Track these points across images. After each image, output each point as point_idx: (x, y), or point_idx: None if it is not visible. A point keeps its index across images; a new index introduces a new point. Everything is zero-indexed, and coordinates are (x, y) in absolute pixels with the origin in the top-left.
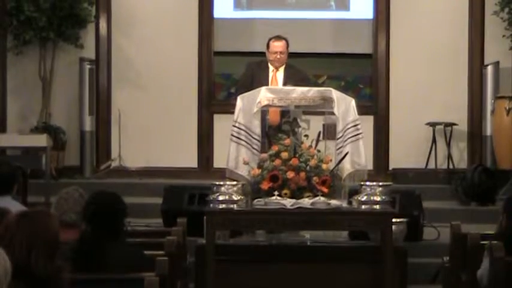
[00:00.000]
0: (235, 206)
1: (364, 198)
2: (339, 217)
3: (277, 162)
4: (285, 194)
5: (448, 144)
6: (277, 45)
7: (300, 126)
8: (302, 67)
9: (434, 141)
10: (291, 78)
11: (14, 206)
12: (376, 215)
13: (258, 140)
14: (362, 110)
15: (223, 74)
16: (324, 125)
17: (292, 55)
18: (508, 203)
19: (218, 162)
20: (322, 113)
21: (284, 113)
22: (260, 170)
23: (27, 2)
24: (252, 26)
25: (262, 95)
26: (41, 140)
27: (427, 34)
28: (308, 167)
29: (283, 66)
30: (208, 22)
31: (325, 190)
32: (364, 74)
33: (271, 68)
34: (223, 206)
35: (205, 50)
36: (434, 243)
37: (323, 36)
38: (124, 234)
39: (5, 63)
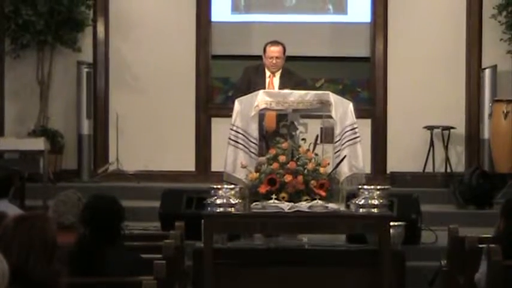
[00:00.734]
0: (233, 209)
1: (362, 201)
2: (336, 220)
3: (275, 165)
4: (283, 197)
5: (446, 148)
6: (274, 50)
7: (297, 130)
8: (300, 71)
9: (432, 144)
10: (288, 84)
11: (11, 209)
12: (374, 218)
13: (256, 144)
14: (360, 114)
15: (221, 77)
16: (321, 129)
17: (290, 59)
18: (505, 207)
19: (216, 165)
20: (319, 117)
21: (282, 116)
22: (258, 174)
23: (25, 5)
24: (249, 29)
25: (260, 99)
26: (39, 144)
27: (425, 38)
28: (306, 171)
29: (280, 71)
30: (205, 26)
31: (323, 194)
32: (361, 77)
33: (267, 73)
34: (221, 209)
35: (203, 54)
36: (432, 247)
37: (321, 40)
38: (122, 237)
39: (2, 67)
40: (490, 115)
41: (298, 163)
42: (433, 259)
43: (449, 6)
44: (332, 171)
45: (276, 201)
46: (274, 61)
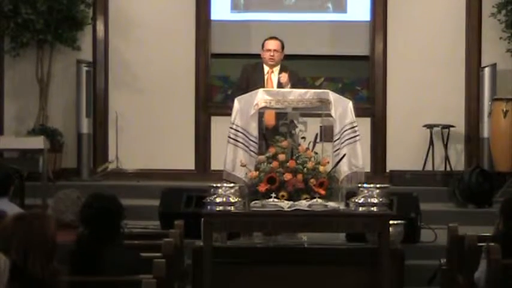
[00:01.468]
0: (232, 208)
1: (362, 200)
2: (336, 219)
3: (275, 164)
4: (282, 196)
5: (446, 146)
6: (272, 43)
7: (297, 128)
8: (299, 69)
9: (431, 143)
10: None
11: (11, 208)
12: (373, 217)
13: (255, 142)
14: (359, 112)
15: (221, 76)
16: (321, 127)
17: (289, 57)
18: (505, 205)
19: (215, 164)
20: (319, 115)
21: (281, 115)
22: (257, 172)
23: (24, 4)
24: (249, 28)
25: (260, 97)
26: (38, 142)
27: (424, 36)
28: (305, 169)
29: (278, 67)
30: (205, 24)
31: (323, 192)
32: (361, 76)
33: (266, 69)
34: (221, 208)
35: (203, 52)
36: (431, 245)
37: (320, 39)
38: (121, 236)
39: (2, 66)
40: (490, 114)
41: (298, 162)
42: (432, 258)
43: (448, 4)
44: (332, 169)
45: (275, 199)
46: (271, 53)
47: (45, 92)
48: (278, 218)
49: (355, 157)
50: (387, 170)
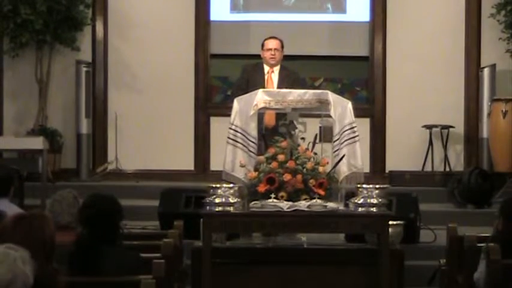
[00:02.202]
0: (231, 208)
1: (361, 200)
2: (335, 219)
3: (274, 164)
4: (282, 196)
5: (445, 147)
6: (272, 42)
7: (296, 129)
8: (298, 70)
9: (430, 143)
10: (286, 79)
11: (11, 209)
12: (372, 217)
13: (255, 143)
14: (358, 113)
15: (220, 76)
16: (320, 128)
17: (288, 58)
18: (504, 206)
19: (215, 164)
20: (318, 116)
21: (280, 115)
22: (257, 173)
23: (23, 4)
24: (248, 28)
25: (259, 98)
26: (38, 143)
27: (424, 37)
28: (305, 170)
29: (278, 67)
30: (204, 25)
31: (322, 193)
32: (360, 76)
33: (266, 69)
34: (220, 208)
35: (202, 53)
36: (430, 246)
37: (320, 39)
38: (120, 237)
39: (1, 66)
40: (489, 114)
41: (297, 162)
42: (431, 258)
43: (448, 5)
44: (331, 170)
45: (274, 200)
46: (272, 52)
47: (44, 92)
48: (277, 219)
49: (354, 157)
50: (386, 171)
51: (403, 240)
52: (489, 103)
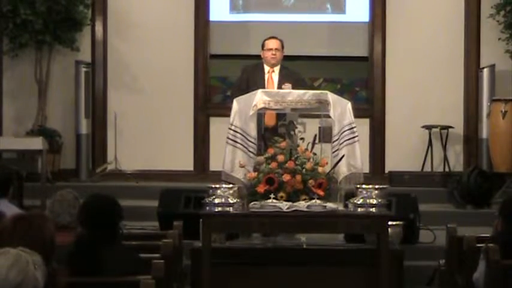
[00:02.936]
0: (231, 209)
1: (360, 201)
2: (335, 220)
3: (273, 165)
4: (281, 197)
5: (444, 147)
6: (273, 42)
7: (296, 129)
8: (298, 70)
9: (430, 144)
10: (287, 79)
11: (11, 209)
12: (372, 217)
13: (254, 143)
14: (358, 113)
15: (219, 77)
16: (320, 128)
17: (288, 58)
18: (503, 206)
19: (214, 165)
20: (318, 116)
21: (280, 115)
22: (256, 173)
23: (23, 5)
24: (248, 29)
25: (259, 98)
26: (37, 143)
27: (423, 37)
28: (304, 170)
29: (279, 66)
30: (204, 25)
31: (321, 193)
32: (360, 77)
33: (266, 68)
34: (220, 208)
35: (201, 53)
36: (430, 246)
37: (319, 39)
38: (120, 237)
39: (1, 67)
40: (488, 114)
41: (297, 162)
42: (431, 258)
43: (447, 5)
44: (330, 170)
45: (274, 200)
46: (273, 52)
47: (44, 92)
48: (277, 219)
49: (353, 158)
50: (386, 171)
51: (403, 241)
52: (488, 103)
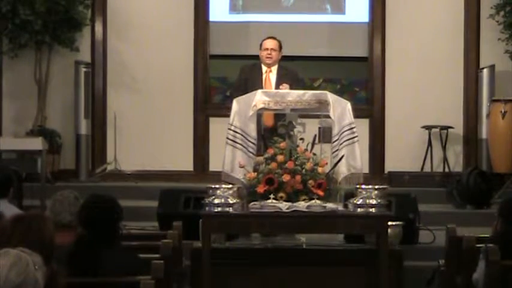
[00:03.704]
0: (231, 209)
1: (360, 201)
2: (334, 220)
3: (273, 165)
4: (281, 197)
5: (444, 148)
6: (269, 42)
7: (295, 129)
8: (298, 70)
9: (430, 144)
10: (284, 79)
11: (10, 209)
12: (371, 218)
13: (254, 143)
14: (358, 113)
15: (219, 77)
16: (319, 128)
17: (287, 58)
18: (503, 207)
19: (214, 165)
20: (317, 116)
21: (280, 116)
22: (256, 173)
23: (22, 5)
24: (247, 29)
25: (258, 98)
26: (37, 144)
27: (423, 37)
28: (304, 170)
29: (276, 66)
30: (203, 25)
31: (321, 193)
32: (359, 77)
33: (264, 69)
34: (219, 209)
35: (201, 53)
36: (429, 247)
37: (319, 40)
38: (119, 237)
39: (0, 67)
40: (488, 115)
41: (296, 163)
42: (430, 259)
43: (447, 6)
44: (330, 171)
45: (274, 201)
46: (269, 52)
47: (43, 93)
48: (276, 219)
49: (353, 158)
50: (386, 171)
51: (402, 241)
52: (488, 104)
